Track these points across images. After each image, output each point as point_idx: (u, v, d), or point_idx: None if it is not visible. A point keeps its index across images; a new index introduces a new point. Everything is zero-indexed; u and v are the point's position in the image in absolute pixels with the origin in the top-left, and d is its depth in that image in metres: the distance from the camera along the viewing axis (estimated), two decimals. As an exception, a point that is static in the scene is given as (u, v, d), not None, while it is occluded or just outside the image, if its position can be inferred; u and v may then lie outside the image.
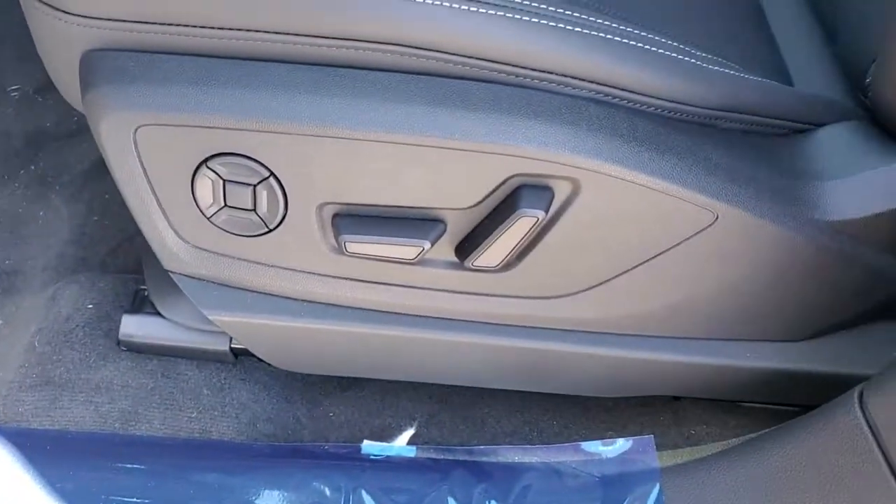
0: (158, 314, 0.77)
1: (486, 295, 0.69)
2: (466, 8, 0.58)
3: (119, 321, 0.79)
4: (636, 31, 0.63)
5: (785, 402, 0.76)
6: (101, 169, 0.98)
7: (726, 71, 0.66)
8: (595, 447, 0.74)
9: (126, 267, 0.87)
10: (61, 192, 0.97)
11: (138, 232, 0.84)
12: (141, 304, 0.79)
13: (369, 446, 0.77)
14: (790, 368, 0.73)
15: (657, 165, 0.60)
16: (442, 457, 0.76)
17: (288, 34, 0.59)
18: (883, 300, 0.70)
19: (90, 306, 0.81)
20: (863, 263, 0.67)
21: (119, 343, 0.79)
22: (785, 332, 0.72)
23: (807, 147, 0.67)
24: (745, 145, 0.67)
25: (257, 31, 0.59)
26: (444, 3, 0.58)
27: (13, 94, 1.09)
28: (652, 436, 0.73)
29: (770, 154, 0.67)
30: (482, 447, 0.77)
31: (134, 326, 0.78)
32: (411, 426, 0.79)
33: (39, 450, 0.72)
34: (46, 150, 1.02)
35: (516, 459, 0.76)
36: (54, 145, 1.02)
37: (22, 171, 0.99)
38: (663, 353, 0.73)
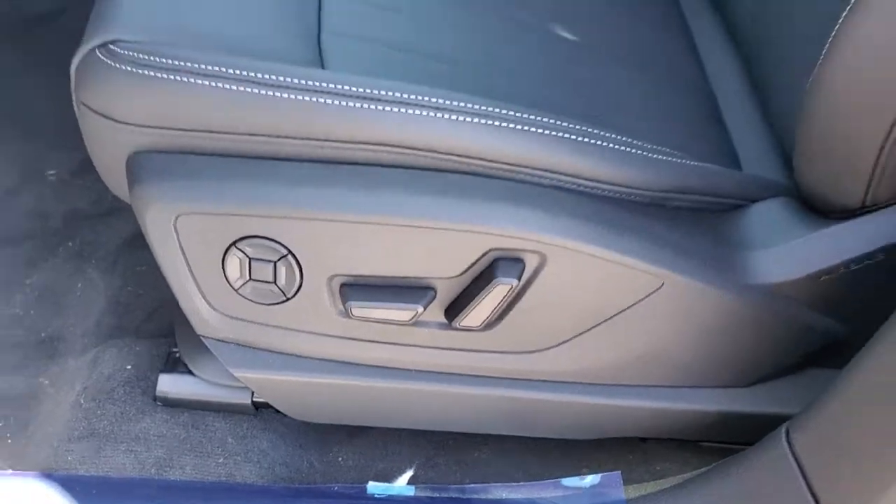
0: (189, 373, 0.88)
1: (473, 351, 0.80)
2: (450, 117, 0.71)
3: (154, 379, 0.90)
4: (592, 130, 0.75)
5: (736, 441, 0.86)
6: (132, 245, 1.10)
7: (671, 159, 0.78)
8: (572, 482, 0.85)
9: (158, 332, 0.98)
10: (97, 266, 1.08)
11: (167, 301, 0.96)
12: (174, 365, 0.90)
13: (374, 487, 0.87)
14: (739, 411, 0.84)
15: (610, 240, 0.72)
16: (438, 495, 0.86)
17: (301, 138, 0.71)
18: (812, 350, 0.81)
19: (128, 367, 0.93)
20: (793, 320, 0.78)
21: (155, 398, 0.90)
22: (732, 379, 0.83)
23: (743, 221, 0.79)
24: (689, 220, 0.78)
25: (276, 136, 0.71)
26: (430, 114, 0.70)
27: (51, 178, 1.21)
28: (619, 472, 0.83)
29: (711, 227, 0.79)
30: (474, 486, 0.87)
31: (169, 384, 0.89)
32: (411, 468, 0.90)
33: (86, 494, 0.83)
34: (82, 228, 1.13)
35: (504, 496, 0.86)
36: (89, 224, 1.14)
37: (60, 248, 1.11)
38: (629, 399, 0.84)
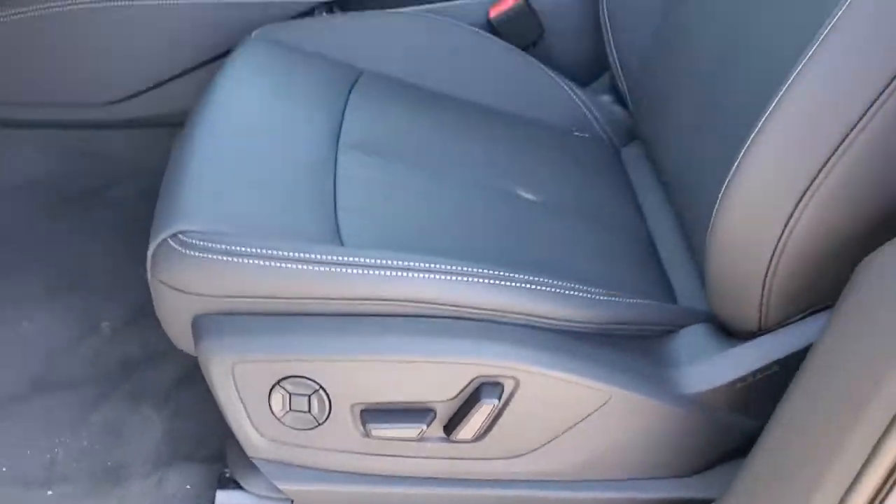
0: (240, 488, 1.07)
1: (467, 459, 0.99)
2: (443, 278, 0.92)
3: (210, 496, 1.08)
4: (553, 280, 0.96)
5: (685, 522, 1.05)
6: (179, 384, 1.29)
7: (615, 299, 0.99)
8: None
9: (209, 456, 1.17)
10: (150, 403, 1.27)
11: (212, 431, 1.16)
12: (226, 482, 1.09)
13: (393, 580, 1.05)
14: (684, 497, 1.03)
15: (567, 365, 0.93)
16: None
17: (328, 299, 0.93)
18: (737, 444, 1.01)
19: (188, 486, 1.12)
20: (718, 421, 0.98)
21: (213, 511, 1.09)
22: (676, 470, 1.02)
23: (673, 343, 0.99)
24: (631, 345, 0.99)
25: (310, 298, 0.93)
26: (427, 276, 0.92)
27: (105, 328, 1.41)
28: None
29: (648, 349, 1.00)
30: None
31: (224, 499, 1.08)
32: (423, 560, 1.08)
33: None
34: (135, 371, 1.32)
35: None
36: (141, 367, 1.33)
37: (118, 389, 1.30)
38: (596, 491, 1.02)
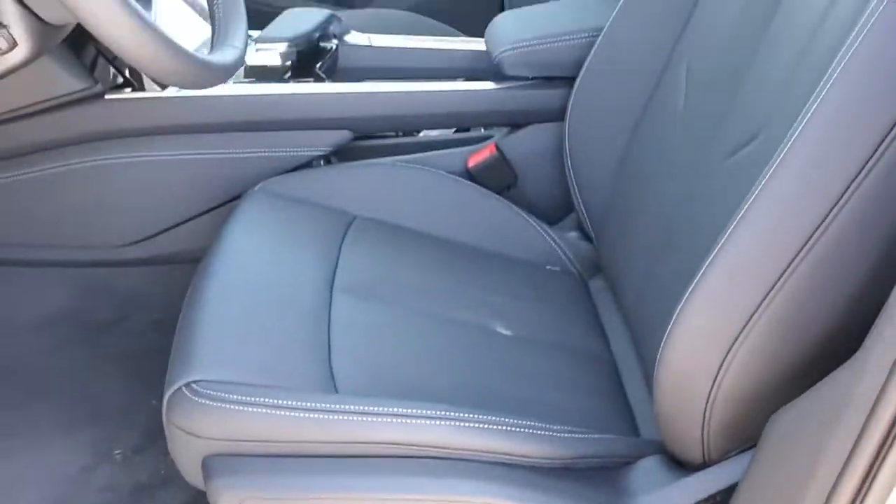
0: None
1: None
2: (428, 423, 1.04)
3: None
4: (522, 421, 1.08)
5: None
6: (186, 507, 1.42)
7: (581, 436, 1.11)
8: None
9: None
10: (162, 523, 1.40)
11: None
12: None
13: None
14: None
15: (536, 498, 1.03)
16: None
17: (324, 442, 1.05)
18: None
19: None
20: (673, 547, 1.10)
21: None
22: None
23: (631, 474, 1.10)
24: (594, 475, 1.10)
25: (309, 441, 1.06)
26: (415, 421, 1.04)
27: (117, 456, 1.53)
28: None
29: (609, 479, 1.10)
30: None
31: None
32: None
33: None
34: (146, 496, 1.44)
35: None
36: (150, 492, 1.45)
37: (130, 514, 1.43)
38: None
